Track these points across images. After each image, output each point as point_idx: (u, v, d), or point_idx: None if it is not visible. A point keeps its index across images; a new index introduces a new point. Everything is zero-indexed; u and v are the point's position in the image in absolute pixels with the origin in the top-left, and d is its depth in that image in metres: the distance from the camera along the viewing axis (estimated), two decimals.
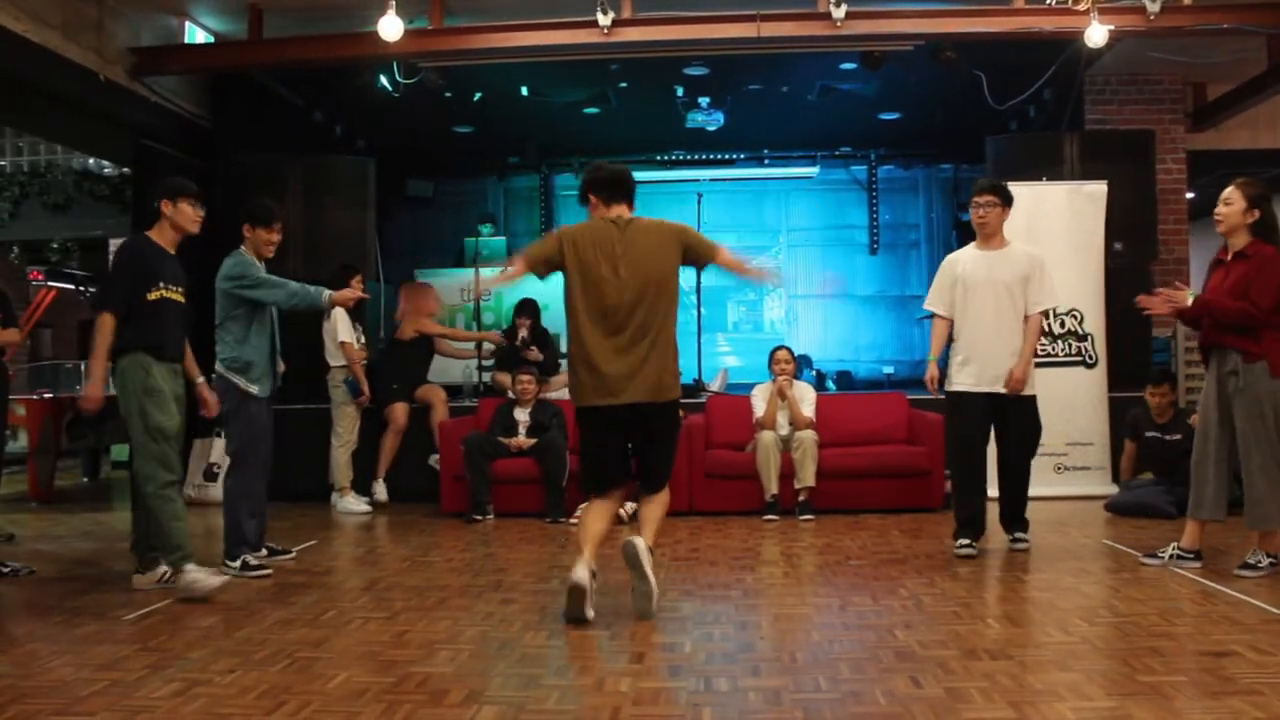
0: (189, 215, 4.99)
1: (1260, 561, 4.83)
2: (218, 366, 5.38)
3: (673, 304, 4.57)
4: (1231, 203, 4.91)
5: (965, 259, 5.66)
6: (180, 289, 5.00)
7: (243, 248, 5.48)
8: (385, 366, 7.96)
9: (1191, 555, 5.10)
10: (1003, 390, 5.44)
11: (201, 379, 5.32)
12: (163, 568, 4.94)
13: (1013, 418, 5.53)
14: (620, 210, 4.68)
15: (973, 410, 5.52)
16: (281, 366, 5.67)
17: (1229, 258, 4.96)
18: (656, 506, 4.59)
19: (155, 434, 4.76)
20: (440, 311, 8.26)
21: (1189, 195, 9.42)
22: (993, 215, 5.55)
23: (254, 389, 5.35)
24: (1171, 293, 5.11)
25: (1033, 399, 5.57)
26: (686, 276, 12.93)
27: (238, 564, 5.25)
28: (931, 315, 5.76)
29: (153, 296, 4.82)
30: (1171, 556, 5.14)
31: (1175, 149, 9.19)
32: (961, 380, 5.55)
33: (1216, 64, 8.59)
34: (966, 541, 5.52)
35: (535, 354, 8.24)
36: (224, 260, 5.46)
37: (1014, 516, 5.72)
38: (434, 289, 8.83)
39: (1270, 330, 4.77)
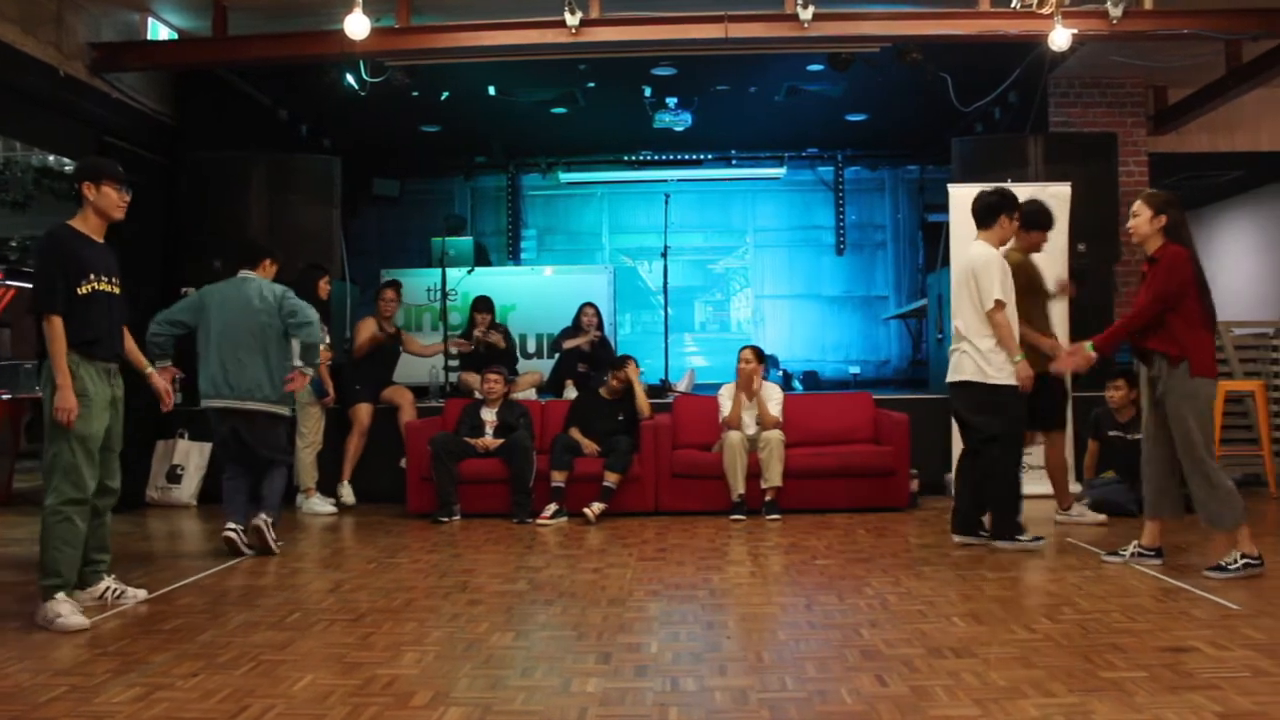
0: (112, 199, 4.58)
1: (1233, 563, 4.86)
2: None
3: None
4: (1139, 214, 5.10)
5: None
6: (113, 280, 4.61)
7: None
8: (349, 368, 7.89)
9: (1152, 553, 5.20)
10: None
11: (151, 369, 5.04)
12: (104, 583, 4.70)
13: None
14: None
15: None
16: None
17: (1147, 267, 5.13)
18: None
19: (76, 442, 4.35)
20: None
21: None
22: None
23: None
24: (1073, 349, 5.38)
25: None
26: (654, 277, 12.98)
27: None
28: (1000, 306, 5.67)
29: (83, 291, 4.43)
30: (1133, 554, 5.22)
31: (1137, 151, 9.30)
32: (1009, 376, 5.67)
33: (1177, 68, 8.71)
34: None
35: (497, 337, 8.29)
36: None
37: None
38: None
39: (1189, 331, 4.91)
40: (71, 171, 10.71)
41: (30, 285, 5.19)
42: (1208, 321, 4.97)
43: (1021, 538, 5.69)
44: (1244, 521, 4.88)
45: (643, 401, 7.37)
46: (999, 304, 5.58)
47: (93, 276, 4.48)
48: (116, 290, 4.62)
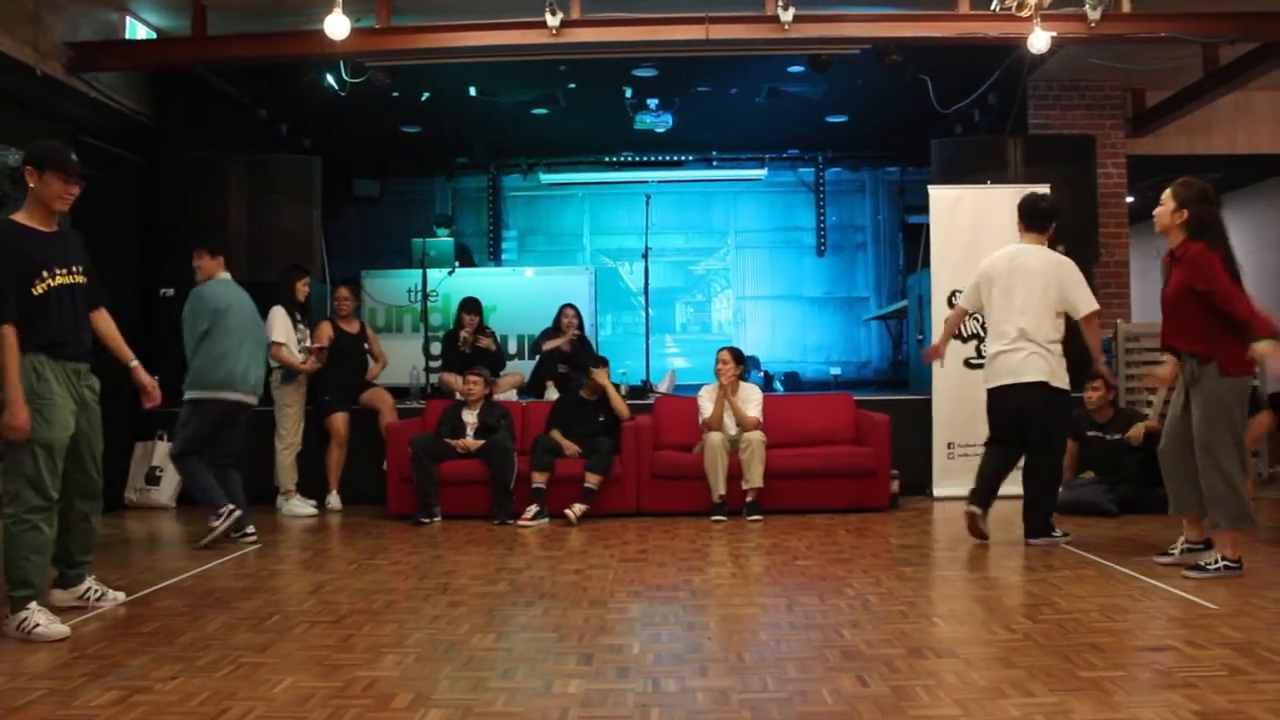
0: (55, 190, 4.26)
1: (1213, 563, 4.87)
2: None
3: None
4: (1164, 203, 5.03)
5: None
6: (74, 269, 4.33)
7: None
8: (319, 376, 7.73)
9: (1201, 545, 5.10)
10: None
11: (136, 363, 4.83)
12: (86, 584, 4.65)
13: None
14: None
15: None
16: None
17: (1169, 259, 5.09)
18: None
19: (37, 449, 4.14)
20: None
21: (1129, 199, 9.60)
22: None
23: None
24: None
25: None
26: (635, 278, 12.98)
27: None
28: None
29: (38, 290, 4.17)
30: (1181, 551, 5.17)
31: (1116, 154, 9.36)
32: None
33: (1155, 71, 8.78)
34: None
35: (486, 341, 8.28)
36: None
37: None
38: None
39: (1222, 331, 4.80)
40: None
41: None
42: (1238, 319, 4.81)
43: (1055, 534, 5.86)
44: (1247, 526, 4.89)
45: (619, 405, 7.37)
46: (1096, 312, 5.72)
47: (46, 273, 4.22)
48: (79, 279, 4.36)
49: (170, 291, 8.09)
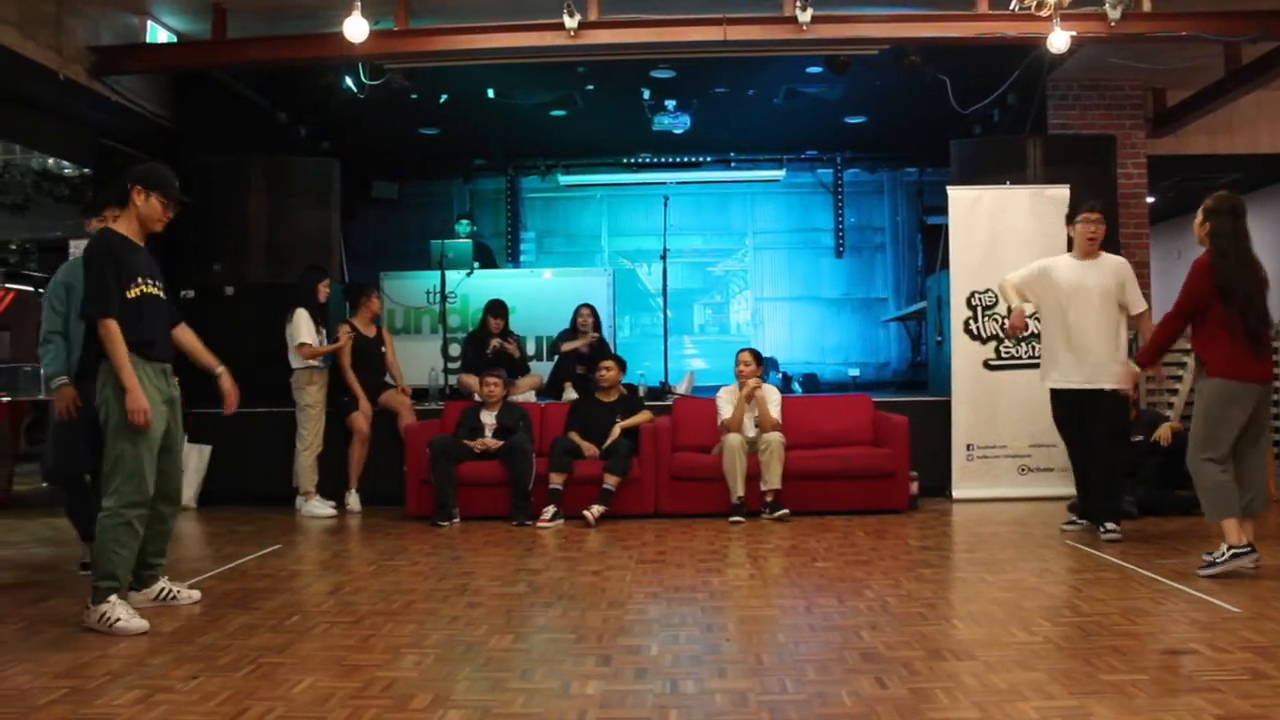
0: (157, 211, 4.56)
1: (1221, 556, 4.86)
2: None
3: None
4: (1197, 217, 5.21)
5: (1062, 266, 6.12)
6: (159, 283, 4.62)
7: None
8: (337, 377, 7.71)
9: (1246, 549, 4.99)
10: (1096, 386, 5.92)
11: (222, 368, 4.92)
12: (160, 584, 4.74)
13: (1105, 412, 5.97)
14: None
15: (1058, 405, 6.15)
16: None
17: None
18: None
19: (138, 443, 4.31)
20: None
21: (1149, 199, 9.55)
22: (1101, 232, 6.07)
23: None
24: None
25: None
26: (653, 279, 12.97)
27: None
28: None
29: (133, 294, 4.44)
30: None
31: (1136, 154, 9.31)
32: (1050, 379, 6.13)
33: (1176, 70, 8.72)
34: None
35: (512, 347, 8.29)
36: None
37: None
38: None
39: (1210, 338, 5.03)
40: (73, 176, 10.72)
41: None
42: (1233, 326, 4.95)
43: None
44: (1235, 516, 4.88)
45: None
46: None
47: (139, 280, 4.49)
48: (161, 293, 4.62)
49: (191, 294, 8.15)
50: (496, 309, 8.45)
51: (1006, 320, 6.71)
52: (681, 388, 8.61)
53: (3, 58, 6.71)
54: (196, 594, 4.82)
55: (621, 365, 7.67)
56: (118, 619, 4.21)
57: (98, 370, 4.43)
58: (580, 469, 7.04)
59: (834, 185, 13.53)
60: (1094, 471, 6.04)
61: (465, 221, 11.67)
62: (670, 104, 10.52)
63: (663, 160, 13.10)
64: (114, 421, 4.34)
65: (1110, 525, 5.90)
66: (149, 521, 4.53)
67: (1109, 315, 5.99)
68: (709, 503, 7.07)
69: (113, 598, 4.26)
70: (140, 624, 4.22)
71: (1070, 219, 6.21)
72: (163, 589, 4.74)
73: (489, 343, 8.32)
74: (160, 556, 4.78)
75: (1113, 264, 6.09)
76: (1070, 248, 6.23)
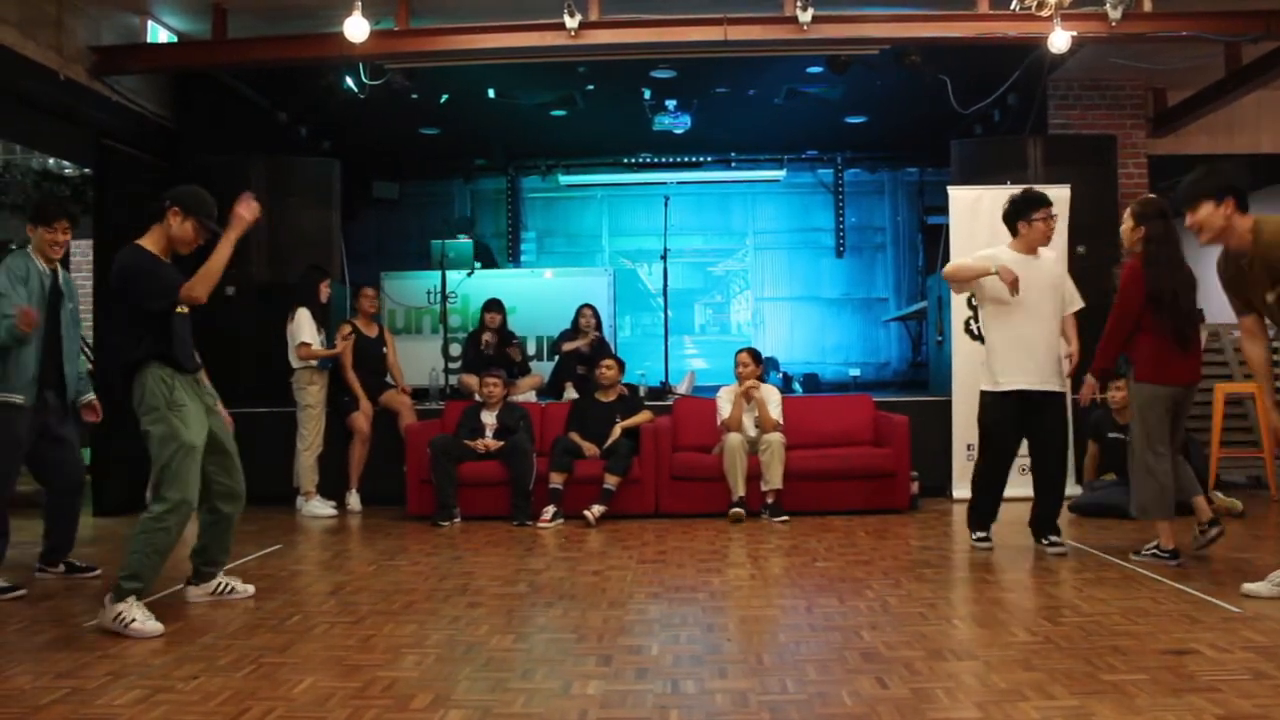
0: (189, 236, 4.56)
1: (1149, 547, 5.29)
2: None
3: None
4: (1125, 221, 5.36)
5: (1007, 260, 5.62)
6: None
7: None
8: (337, 377, 7.72)
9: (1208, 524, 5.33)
10: (1048, 388, 5.64)
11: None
12: (218, 580, 4.81)
13: (1047, 415, 5.71)
14: None
15: (1007, 408, 5.66)
16: (86, 367, 5.43)
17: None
18: None
19: (183, 449, 4.34)
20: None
21: None
22: (1053, 226, 5.85)
23: (16, 398, 4.94)
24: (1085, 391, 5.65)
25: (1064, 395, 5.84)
26: (654, 279, 12.98)
27: None
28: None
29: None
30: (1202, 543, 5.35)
31: (1137, 153, 9.31)
32: (1006, 380, 5.64)
33: (1176, 70, 8.71)
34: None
35: (514, 351, 8.32)
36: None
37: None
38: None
39: (1140, 341, 5.20)
40: (74, 176, 10.70)
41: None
42: (1160, 329, 5.12)
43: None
44: (1168, 519, 5.13)
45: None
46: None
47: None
48: (185, 310, 4.59)
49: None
50: (491, 305, 8.50)
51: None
52: (682, 388, 8.61)
53: (3, 58, 6.70)
54: (251, 588, 4.92)
55: (621, 365, 7.67)
56: (133, 619, 4.19)
57: (130, 386, 4.42)
58: (581, 469, 7.04)
59: (834, 185, 13.54)
60: (1043, 480, 5.76)
61: (464, 237, 11.66)
62: (671, 104, 10.52)
63: (663, 160, 13.11)
64: (159, 432, 4.35)
65: (1055, 538, 5.66)
66: (215, 523, 4.67)
67: (1055, 312, 5.69)
68: (709, 503, 7.07)
69: (131, 598, 4.25)
70: (155, 627, 4.19)
71: (1026, 216, 5.71)
72: (219, 583, 4.83)
73: (483, 339, 8.36)
74: (224, 554, 4.87)
75: (1051, 258, 5.78)
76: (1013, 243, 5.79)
